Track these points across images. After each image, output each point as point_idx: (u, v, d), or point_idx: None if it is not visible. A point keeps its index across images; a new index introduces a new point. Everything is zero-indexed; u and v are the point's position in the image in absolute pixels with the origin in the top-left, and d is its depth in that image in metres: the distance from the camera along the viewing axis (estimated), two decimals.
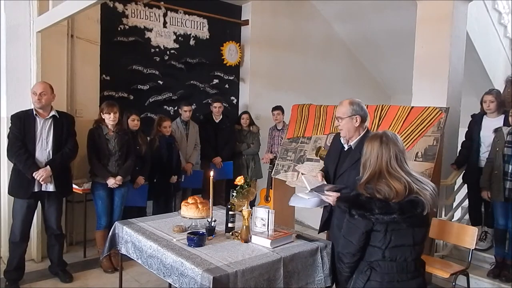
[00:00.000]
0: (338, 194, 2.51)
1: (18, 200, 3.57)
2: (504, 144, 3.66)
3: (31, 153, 3.49)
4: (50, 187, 3.57)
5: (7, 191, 3.67)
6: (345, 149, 2.69)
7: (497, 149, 3.72)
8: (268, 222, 2.70)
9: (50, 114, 3.59)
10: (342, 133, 2.65)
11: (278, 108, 5.64)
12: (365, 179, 1.95)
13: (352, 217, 1.88)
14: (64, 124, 3.67)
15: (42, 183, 3.51)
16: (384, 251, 1.89)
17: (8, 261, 3.63)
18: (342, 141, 2.69)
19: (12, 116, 3.56)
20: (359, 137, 2.62)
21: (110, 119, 3.94)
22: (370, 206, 1.84)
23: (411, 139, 3.61)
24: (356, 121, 2.58)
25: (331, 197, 2.50)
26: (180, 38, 5.67)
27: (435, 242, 3.99)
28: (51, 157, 3.57)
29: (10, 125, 3.57)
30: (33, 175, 3.45)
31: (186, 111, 5.11)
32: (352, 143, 2.63)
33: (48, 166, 3.52)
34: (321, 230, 2.91)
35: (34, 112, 3.54)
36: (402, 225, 1.87)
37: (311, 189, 2.57)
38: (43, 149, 3.55)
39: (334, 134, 3.06)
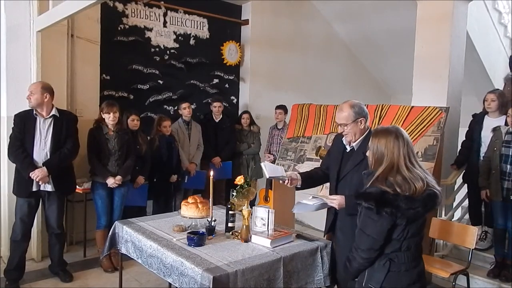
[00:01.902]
0: (343, 196, 2.51)
1: (20, 199, 3.58)
2: (502, 144, 3.65)
3: (29, 153, 3.49)
4: (48, 187, 3.57)
5: (12, 190, 3.67)
6: (348, 150, 2.64)
7: (495, 148, 3.71)
8: (268, 221, 2.70)
9: (51, 114, 3.59)
10: (347, 137, 2.57)
11: (282, 107, 5.64)
12: (380, 172, 1.95)
13: (379, 214, 1.89)
14: (64, 124, 3.66)
15: (40, 183, 3.52)
16: (402, 242, 1.94)
17: (9, 261, 3.63)
18: (344, 142, 2.64)
19: (15, 115, 3.58)
20: (361, 137, 2.56)
21: (109, 118, 3.94)
22: (397, 203, 1.87)
23: (411, 139, 3.61)
24: (361, 123, 2.52)
25: (335, 200, 2.50)
26: (180, 37, 5.67)
27: (435, 242, 3.99)
28: (48, 157, 3.56)
29: (12, 125, 3.57)
30: (30, 175, 3.46)
31: (184, 108, 5.10)
32: (354, 144, 2.58)
33: (44, 167, 3.51)
34: (326, 232, 2.88)
35: (34, 112, 3.54)
36: (419, 218, 1.95)
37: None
38: (41, 149, 3.55)
39: (334, 134, 3.02)
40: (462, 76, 4.56)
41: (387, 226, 1.91)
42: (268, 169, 2.71)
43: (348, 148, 2.63)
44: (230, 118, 5.74)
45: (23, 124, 3.50)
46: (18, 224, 3.57)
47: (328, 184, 2.89)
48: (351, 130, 2.53)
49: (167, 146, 4.69)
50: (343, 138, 2.64)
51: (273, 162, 5.17)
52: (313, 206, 2.57)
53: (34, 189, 3.53)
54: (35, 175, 3.46)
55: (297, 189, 2.86)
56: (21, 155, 3.46)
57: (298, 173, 2.86)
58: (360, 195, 1.98)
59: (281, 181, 2.75)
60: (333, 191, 2.69)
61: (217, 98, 5.56)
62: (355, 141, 2.58)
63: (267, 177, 2.68)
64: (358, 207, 2.06)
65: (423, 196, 1.91)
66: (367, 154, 2.10)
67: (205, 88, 5.95)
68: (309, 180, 2.82)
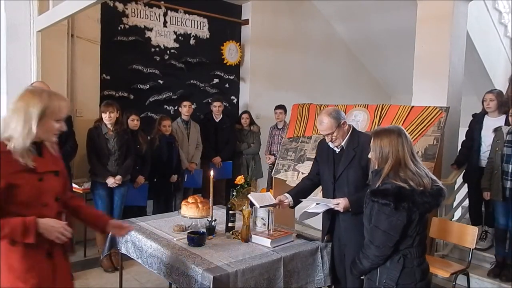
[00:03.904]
0: (345, 199, 2.54)
1: None
2: (504, 144, 3.66)
3: None
4: None
5: None
6: (337, 152, 2.70)
7: (497, 148, 3.71)
8: (268, 221, 2.70)
9: None
10: (336, 142, 2.65)
11: (281, 107, 5.64)
12: (389, 169, 1.99)
13: (397, 210, 1.91)
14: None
15: None
16: (415, 238, 1.98)
17: None
18: (331, 145, 2.71)
19: None
20: (347, 137, 2.65)
21: (106, 118, 3.94)
22: (413, 197, 1.92)
23: (411, 139, 3.61)
24: (345, 125, 2.62)
25: (340, 204, 2.53)
26: (180, 37, 5.67)
27: (436, 241, 3.99)
28: None
29: None
30: None
31: (185, 106, 5.10)
32: (343, 143, 2.66)
33: None
34: (324, 237, 2.89)
35: None
36: (428, 212, 2.02)
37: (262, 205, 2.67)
38: None
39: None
40: (462, 76, 4.56)
41: (403, 222, 1.94)
42: (256, 199, 2.72)
43: (338, 150, 2.70)
44: (230, 118, 5.74)
45: None
46: None
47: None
48: (339, 135, 2.62)
49: (168, 146, 4.69)
50: (329, 142, 2.69)
51: (274, 162, 5.17)
52: (319, 213, 2.64)
53: None
54: None
55: (291, 207, 2.88)
56: None
57: (287, 192, 2.88)
58: (376, 192, 2.00)
59: (272, 208, 2.76)
60: (331, 191, 2.72)
61: (217, 98, 5.55)
62: (341, 142, 2.65)
63: (258, 207, 2.70)
64: (363, 205, 2.08)
65: (434, 191, 1.97)
66: (369, 156, 2.12)
67: (205, 88, 5.95)
68: (300, 195, 2.85)
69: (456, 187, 4.63)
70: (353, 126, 2.72)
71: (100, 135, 3.96)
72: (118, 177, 3.95)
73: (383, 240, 1.97)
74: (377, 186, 2.01)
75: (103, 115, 3.95)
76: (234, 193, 2.84)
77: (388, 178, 1.98)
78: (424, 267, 2.03)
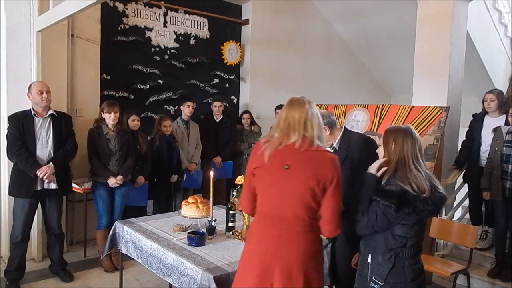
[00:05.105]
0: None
1: (19, 200, 3.56)
2: (503, 144, 3.66)
3: (32, 152, 3.49)
4: (53, 185, 3.57)
5: (8, 192, 3.66)
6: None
7: (496, 148, 3.72)
8: None
9: (48, 113, 3.59)
10: None
11: (281, 107, 5.63)
12: (393, 168, 2.00)
13: (398, 213, 1.92)
14: (62, 123, 3.67)
15: (45, 180, 3.50)
16: (408, 239, 1.99)
17: (9, 261, 3.62)
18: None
19: (9, 116, 3.56)
20: (339, 137, 2.67)
21: (110, 118, 3.94)
22: (415, 204, 1.92)
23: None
24: (326, 131, 2.64)
25: None
26: (180, 37, 5.67)
27: (436, 241, 3.99)
28: (52, 155, 3.57)
29: (7, 125, 3.56)
30: (37, 172, 3.45)
31: (189, 106, 5.09)
32: (335, 144, 2.68)
33: (51, 163, 3.51)
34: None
35: (32, 112, 3.54)
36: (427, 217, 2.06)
37: None
38: (44, 147, 3.55)
39: None
40: (462, 75, 4.55)
41: (390, 221, 1.95)
42: None
43: (331, 150, 2.69)
44: (230, 117, 5.74)
45: (21, 124, 3.48)
46: (18, 225, 3.56)
47: None
48: None
49: (168, 146, 4.69)
50: None
51: None
52: None
53: (39, 188, 3.52)
54: (43, 172, 3.45)
55: None
56: (24, 154, 3.45)
57: None
58: (380, 192, 2.00)
59: None
60: None
61: (218, 98, 5.56)
62: (333, 143, 2.67)
63: None
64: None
65: (436, 198, 1.96)
66: (378, 150, 2.14)
67: (205, 88, 5.95)
68: None
69: (456, 187, 4.63)
70: (345, 127, 2.75)
71: (101, 135, 3.96)
72: (120, 177, 3.95)
73: (363, 224, 2.03)
74: (382, 184, 2.02)
75: (107, 115, 3.94)
76: (234, 193, 2.84)
77: (395, 178, 1.98)
78: (417, 268, 2.03)
